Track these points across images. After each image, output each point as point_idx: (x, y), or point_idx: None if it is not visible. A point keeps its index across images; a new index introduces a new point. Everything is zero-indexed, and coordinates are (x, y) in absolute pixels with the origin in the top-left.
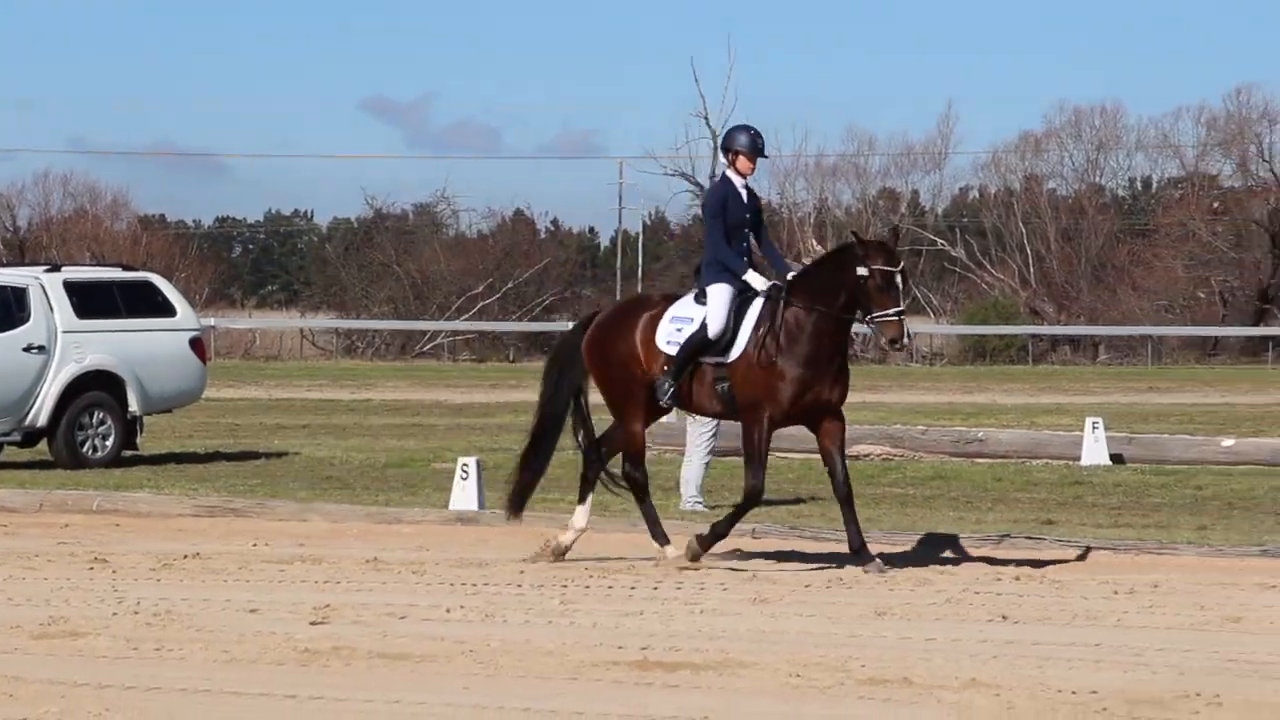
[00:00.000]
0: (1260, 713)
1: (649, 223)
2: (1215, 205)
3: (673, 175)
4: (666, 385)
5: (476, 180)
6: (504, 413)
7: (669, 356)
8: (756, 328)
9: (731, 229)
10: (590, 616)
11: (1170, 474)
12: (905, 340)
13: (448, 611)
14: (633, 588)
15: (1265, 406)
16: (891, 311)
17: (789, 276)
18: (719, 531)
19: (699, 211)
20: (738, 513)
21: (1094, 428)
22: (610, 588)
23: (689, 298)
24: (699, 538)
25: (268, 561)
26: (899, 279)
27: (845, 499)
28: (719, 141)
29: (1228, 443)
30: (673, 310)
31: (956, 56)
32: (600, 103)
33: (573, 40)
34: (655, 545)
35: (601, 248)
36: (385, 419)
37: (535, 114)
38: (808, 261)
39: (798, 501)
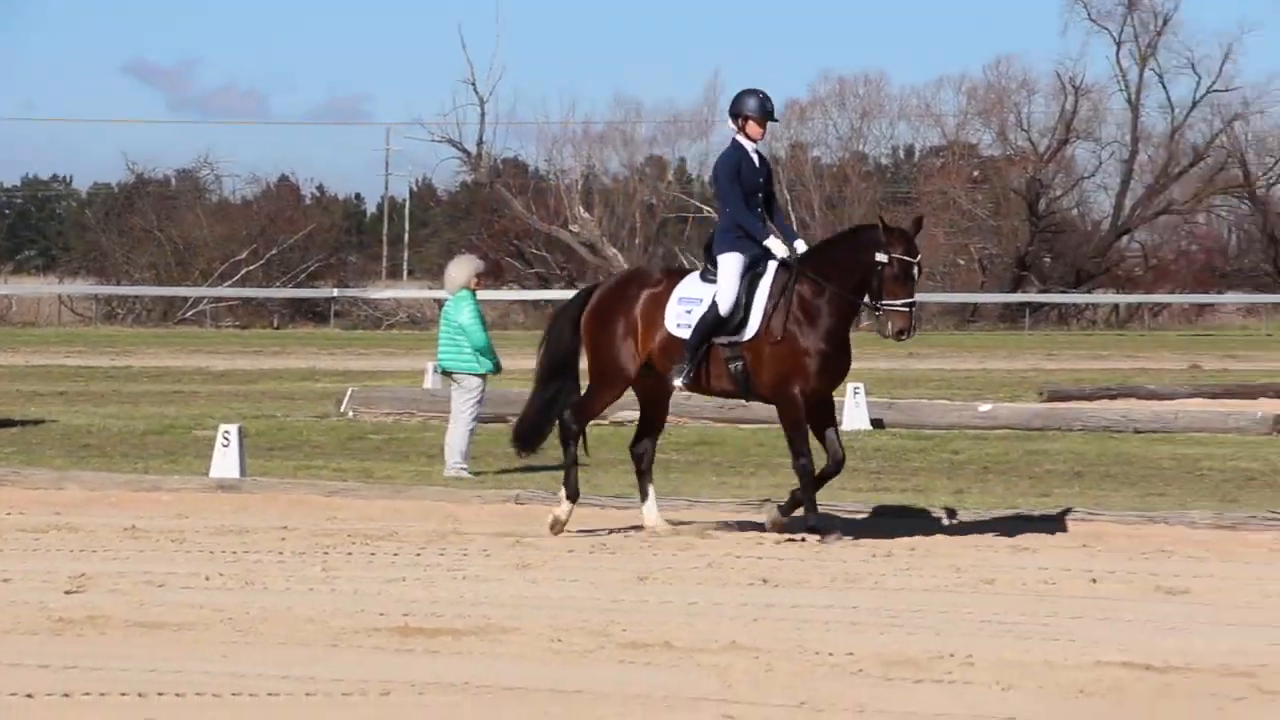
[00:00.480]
0: (1012, 671)
1: (415, 190)
2: (975, 174)
3: (440, 142)
4: (686, 369)
5: (241, 146)
6: (267, 379)
7: (678, 340)
8: (770, 304)
9: (746, 195)
10: (352, 583)
11: (928, 439)
12: (913, 332)
13: (207, 579)
14: (395, 554)
15: (1021, 372)
16: (902, 302)
17: (799, 249)
18: (808, 521)
19: (467, 176)
20: (805, 494)
21: (855, 393)
22: (373, 555)
23: (694, 276)
24: (780, 508)
25: (22, 531)
26: (915, 270)
27: (832, 473)
28: (728, 107)
29: (984, 408)
30: (679, 290)
31: (723, 25)
32: (367, 69)
33: (340, 6)
34: (562, 496)
35: (368, 214)
36: (145, 386)
37: (302, 80)
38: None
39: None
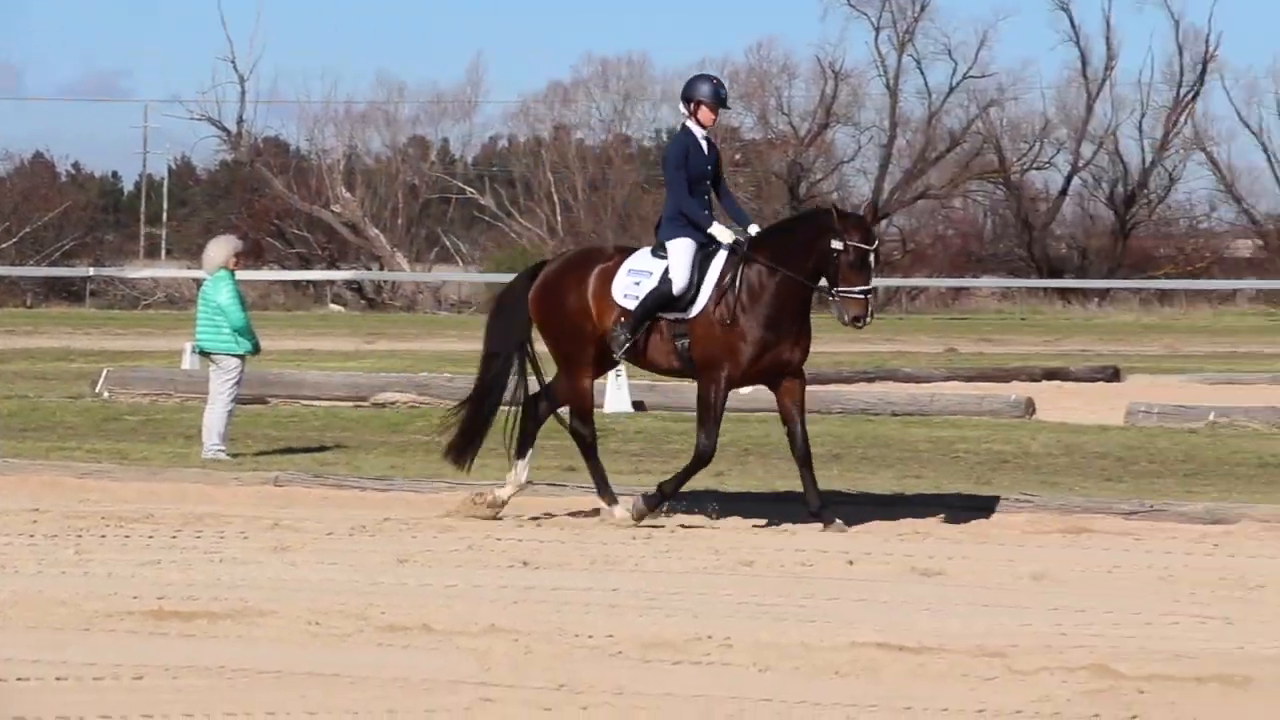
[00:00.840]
0: (769, 652)
1: (174, 168)
2: (737, 157)
3: (199, 120)
4: (623, 338)
5: None
6: (20, 359)
7: (625, 310)
8: (719, 284)
9: (693, 182)
10: (105, 566)
11: (689, 421)
12: (869, 319)
13: None
14: (150, 537)
15: None
16: (858, 289)
17: (751, 232)
18: (666, 491)
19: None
20: (686, 473)
21: (617, 375)
22: (127, 537)
23: (645, 251)
24: (645, 497)
25: None
26: (871, 258)
27: (804, 460)
28: (680, 91)
29: (745, 391)
30: (629, 263)
31: (486, 5)
32: (125, 45)
33: None
34: (602, 503)
35: (125, 192)
36: None
37: (57, 55)
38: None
39: (322, 449)
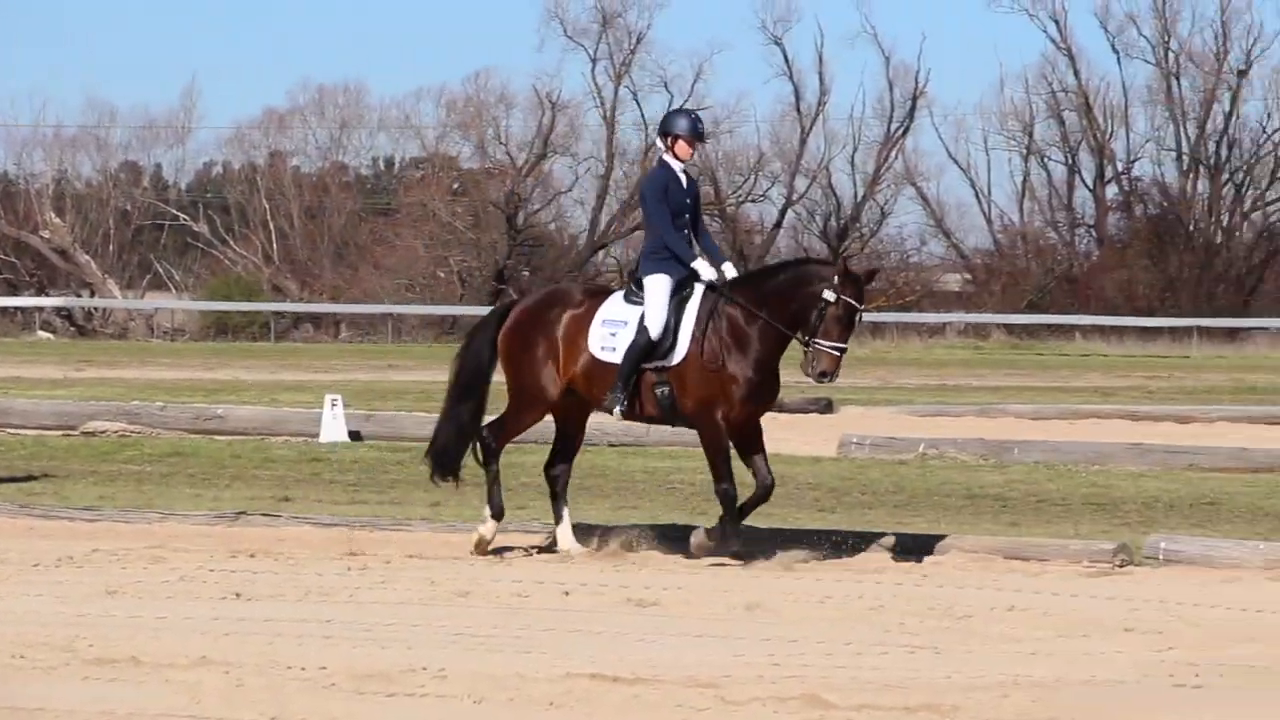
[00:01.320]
0: (484, 684)
1: None
2: (455, 186)
3: None
4: (619, 398)
5: None
6: None
7: (601, 363)
8: (697, 328)
9: (673, 216)
10: None
11: (407, 450)
12: (834, 378)
13: None
14: None
15: (500, 384)
16: (833, 345)
17: (729, 274)
18: (729, 530)
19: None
20: (730, 519)
21: (333, 405)
22: None
23: (618, 296)
24: (707, 531)
25: None
26: (858, 317)
27: (762, 499)
28: (658, 125)
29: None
30: (602, 312)
31: (200, 29)
32: None
33: None
34: (486, 511)
35: None
36: None
37: None
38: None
39: (29, 479)
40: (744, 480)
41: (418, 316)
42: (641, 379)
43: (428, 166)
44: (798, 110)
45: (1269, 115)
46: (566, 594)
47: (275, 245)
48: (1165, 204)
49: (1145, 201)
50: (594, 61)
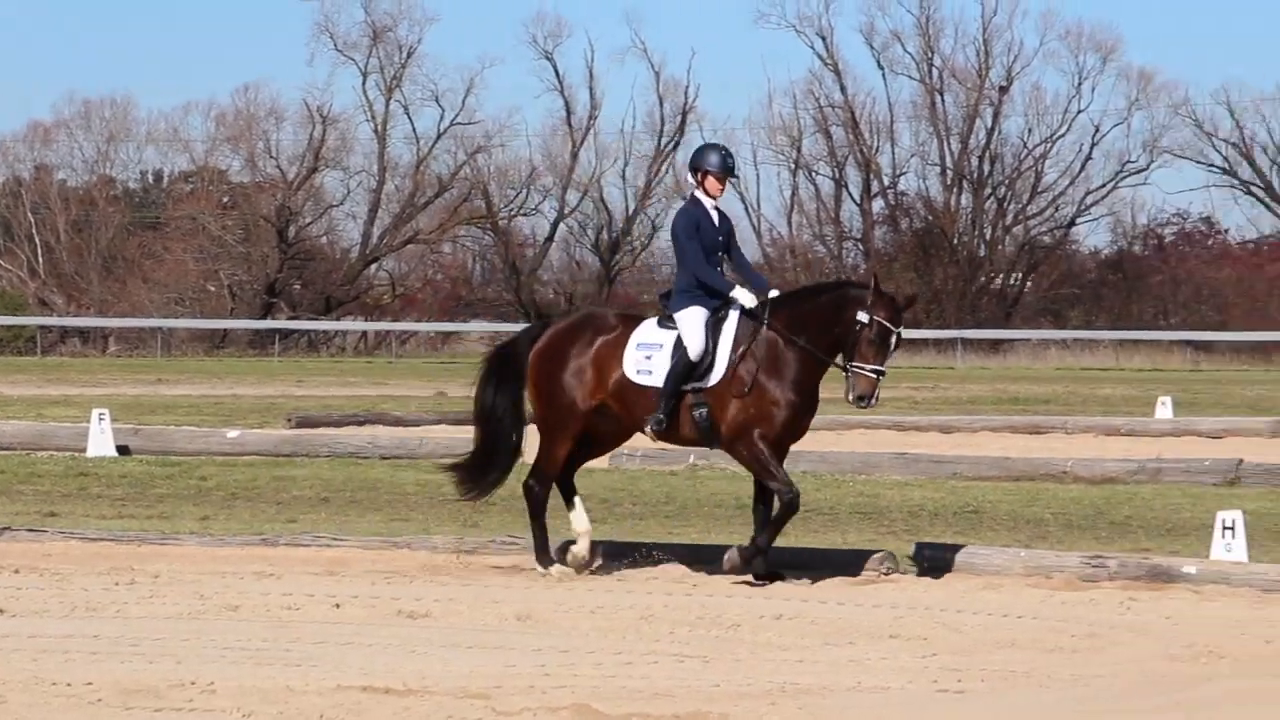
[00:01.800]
0: (253, 697)
1: None
2: (225, 200)
3: None
4: (660, 418)
5: None
6: None
7: (636, 385)
8: (734, 350)
9: (706, 253)
10: None
11: (175, 465)
12: (874, 401)
13: None
14: None
15: (270, 398)
16: (871, 368)
17: (771, 295)
18: (761, 546)
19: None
20: (777, 525)
21: (100, 419)
22: None
23: (651, 322)
24: (740, 549)
25: None
26: (894, 339)
27: (790, 513)
28: (688, 160)
29: (233, 434)
30: (637, 335)
31: None
32: None
33: None
34: (538, 567)
35: None
36: None
37: None
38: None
39: None
40: (743, 495)
41: (187, 330)
42: (680, 401)
43: (197, 180)
44: (569, 124)
45: (1029, 131)
46: (338, 607)
47: (41, 259)
48: (930, 218)
49: (910, 215)
50: (365, 75)
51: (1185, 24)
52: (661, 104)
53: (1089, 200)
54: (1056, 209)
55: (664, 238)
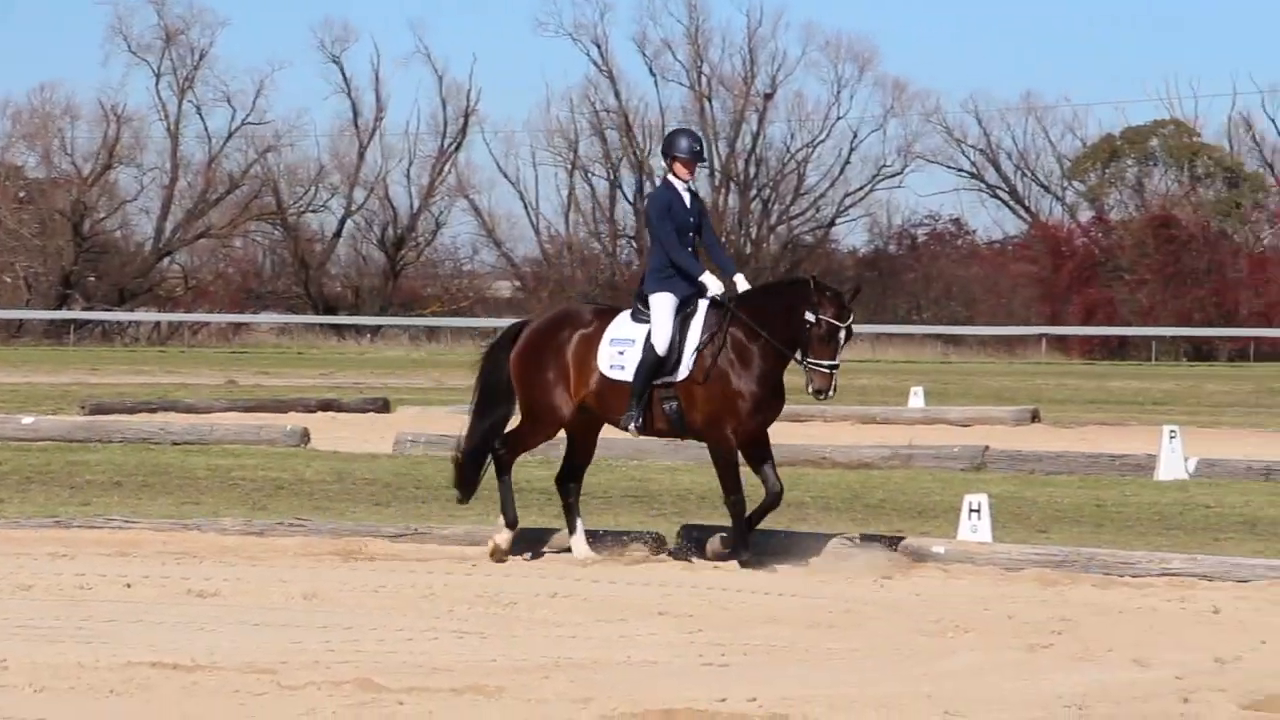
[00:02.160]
0: (44, 673)
1: None
2: (21, 195)
3: None
4: (634, 415)
5: None
6: None
7: (611, 381)
8: (702, 344)
9: (678, 233)
10: None
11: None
12: (831, 393)
13: None
14: None
15: (65, 386)
16: (825, 363)
17: (739, 282)
18: (738, 543)
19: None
20: (737, 529)
21: None
22: None
23: (625, 315)
24: (721, 539)
25: None
26: (842, 334)
27: (771, 506)
28: (660, 146)
29: (27, 420)
30: (610, 331)
31: None
32: None
33: None
34: (500, 520)
35: None
36: None
37: None
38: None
39: None
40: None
41: None
42: (652, 395)
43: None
44: (356, 126)
45: (792, 136)
46: (129, 586)
47: None
48: None
49: None
50: (158, 76)
51: (937, 37)
52: (445, 106)
53: (848, 202)
54: (817, 210)
55: (447, 234)
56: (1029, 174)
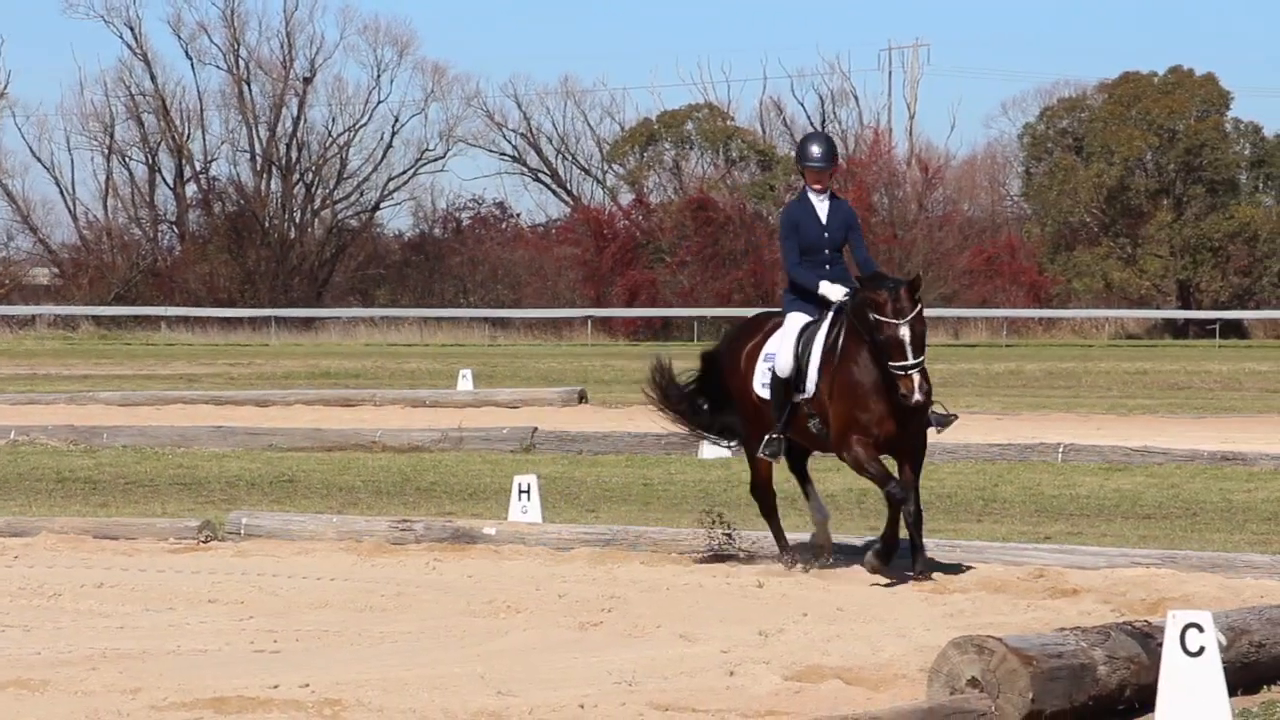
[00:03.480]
0: None
1: None
2: None
3: None
4: (775, 439)
5: None
6: None
7: (764, 400)
8: (821, 358)
9: (807, 251)
10: None
11: None
12: (918, 397)
13: None
14: None
15: None
16: (899, 365)
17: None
18: (890, 543)
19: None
20: (899, 523)
21: None
22: None
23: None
24: (875, 553)
25: None
26: (904, 332)
27: (914, 523)
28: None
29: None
30: (766, 346)
31: None
32: None
33: None
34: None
35: None
36: None
37: None
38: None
39: None
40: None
41: None
42: (796, 412)
43: None
44: None
45: (333, 120)
46: None
47: None
48: (242, 202)
49: (223, 199)
50: None
51: (476, 20)
52: None
53: (391, 186)
54: (361, 194)
55: None
56: (570, 157)
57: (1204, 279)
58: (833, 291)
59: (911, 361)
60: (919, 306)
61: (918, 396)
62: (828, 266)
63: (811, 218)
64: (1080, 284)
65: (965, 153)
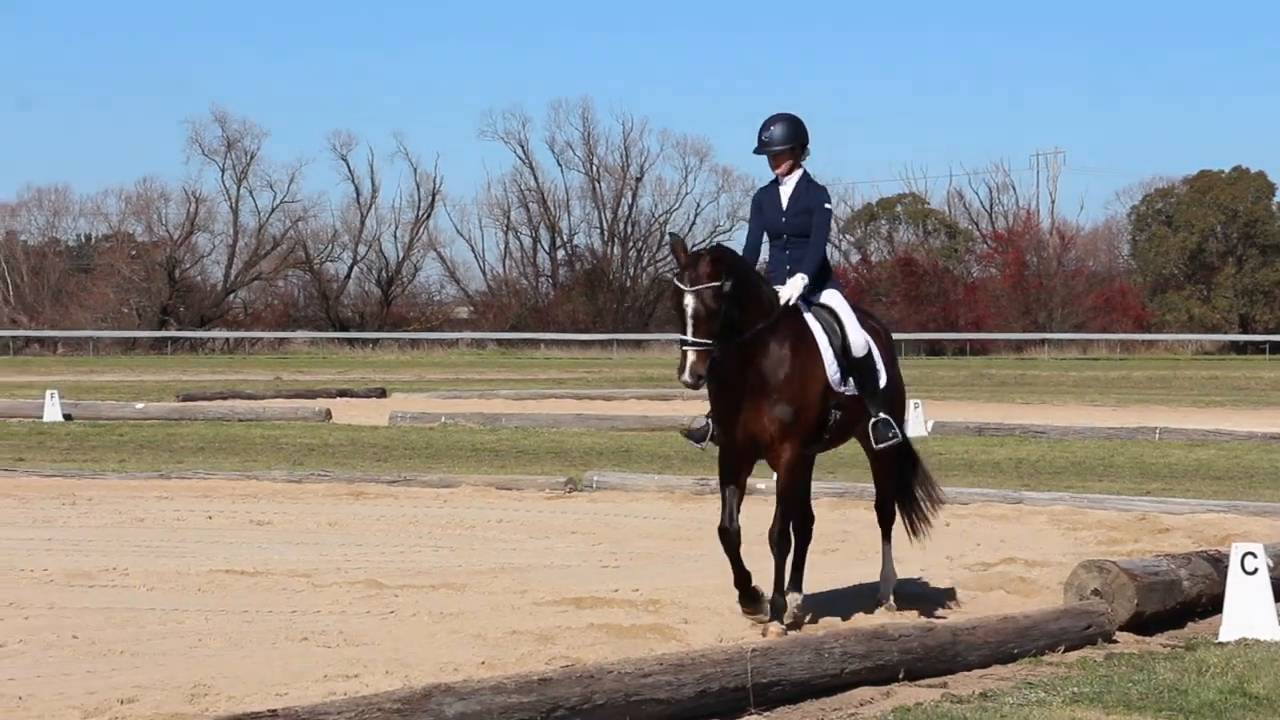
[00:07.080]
0: (154, 578)
1: None
2: (132, 253)
3: None
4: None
5: None
6: None
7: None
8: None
9: (770, 234)
10: None
11: (102, 426)
12: (687, 379)
13: None
14: None
15: (165, 381)
16: (679, 339)
17: (794, 289)
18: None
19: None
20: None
21: (52, 396)
22: None
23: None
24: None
25: None
26: (686, 300)
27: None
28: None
29: (139, 405)
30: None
31: None
32: None
33: None
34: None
35: None
36: None
37: None
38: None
39: None
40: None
41: (109, 338)
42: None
43: (114, 240)
44: (358, 202)
45: (655, 206)
46: (210, 518)
47: (11, 293)
48: (594, 262)
49: (582, 261)
50: (223, 170)
51: (753, 133)
52: (418, 189)
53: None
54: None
55: (422, 276)
56: None
57: (1259, 313)
58: (790, 286)
59: (690, 338)
60: (720, 282)
61: (686, 378)
62: (787, 251)
63: (773, 201)
64: (1171, 316)
65: (1090, 226)
